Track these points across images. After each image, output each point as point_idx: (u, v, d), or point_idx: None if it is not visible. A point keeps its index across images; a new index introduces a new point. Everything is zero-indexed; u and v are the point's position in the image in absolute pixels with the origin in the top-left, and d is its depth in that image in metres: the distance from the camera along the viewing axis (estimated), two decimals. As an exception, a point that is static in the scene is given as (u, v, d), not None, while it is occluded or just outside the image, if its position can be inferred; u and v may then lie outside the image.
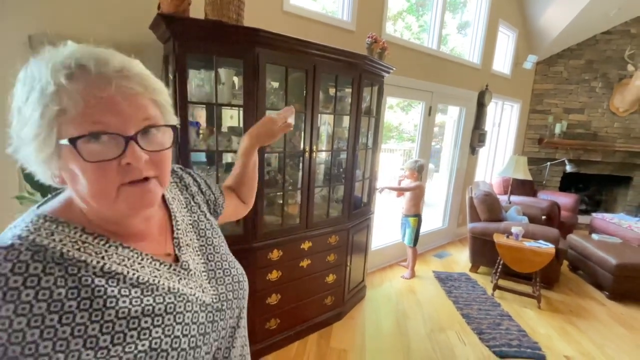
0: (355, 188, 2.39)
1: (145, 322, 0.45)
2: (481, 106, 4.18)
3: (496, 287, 3.00)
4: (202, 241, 0.63)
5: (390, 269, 3.44)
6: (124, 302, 0.45)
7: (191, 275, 0.57)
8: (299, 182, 2.07)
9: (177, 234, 0.59)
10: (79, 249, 0.44)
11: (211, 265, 0.61)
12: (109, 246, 0.48)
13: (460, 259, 3.82)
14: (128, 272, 0.48)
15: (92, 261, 0.45)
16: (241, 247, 1.83)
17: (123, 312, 0.44)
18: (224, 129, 2.03)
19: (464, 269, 3.52)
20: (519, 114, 5.03)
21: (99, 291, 0.43)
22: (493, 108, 4.73)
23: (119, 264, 0.47)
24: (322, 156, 2.41)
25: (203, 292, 0.56)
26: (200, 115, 2.03)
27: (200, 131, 1.85)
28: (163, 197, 0.61)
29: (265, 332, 2.04)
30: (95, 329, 0.41)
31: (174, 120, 0.52)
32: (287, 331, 2.15)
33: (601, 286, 3.15)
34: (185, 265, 0.57)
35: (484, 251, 3.33)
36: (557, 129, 5.00)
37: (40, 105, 0.40)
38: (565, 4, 4.05)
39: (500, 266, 2.99)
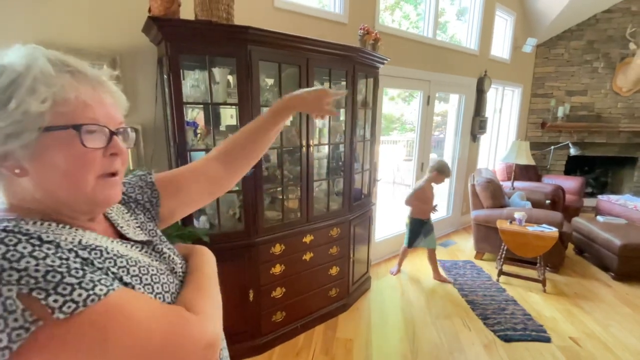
0: (354, 180, 2.41)
1: (139, 289, 0.48)
2: (481, 93, 4.15)
3: (501, 272, 3.01)
4: (158, 237, 0.65)
5: (396, 259, 3.46)
6: (113, 270, 0.46)
7: (164, 258, 0.60)
8: (298, 177, 2.09)
9: (124, 230, 0.59)
10: (46, 233, 0.44)
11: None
12: (76, 229, 0.49)
13: (465, 247, 3.83)
14: (107, 246, 0.49)
15: (66, 238, 0.45)
16: (243, 242, 1.87)
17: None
18: (223, 127, 2.06)
19: (469, 257, 3.53)
20: (521, 99, 4.98)
21: (90, 257, 0.45)
22: (493, 94, 4.69)
23: (94, 240, 0.48)
24: (321, 150, 2.42)
25: (173, 275, 0.58)
26: (198, 115, 2.06)
27: (198, 131, 1.89)
28: None
29: (271, 324, 2.08)
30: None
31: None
32: (293, 323, 2.20)
33: (606, 267, 3.14)
34: (157, 247, 0.60)
35: (488, 238, 3.34)
36: (560, 112, 4.94)
37: (35, 94, 0.43)
38: (562, -16, 3.98)
39: (504, 252, 3.00)
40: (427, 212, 2.96)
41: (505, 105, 4.97)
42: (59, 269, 0.39)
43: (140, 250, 0.57)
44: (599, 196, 4.43)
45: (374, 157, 2.71)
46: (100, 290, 0.40)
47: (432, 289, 2.88)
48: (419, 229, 2.99)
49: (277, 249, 2.01)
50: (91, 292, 0.40)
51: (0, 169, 0.45)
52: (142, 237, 0.60)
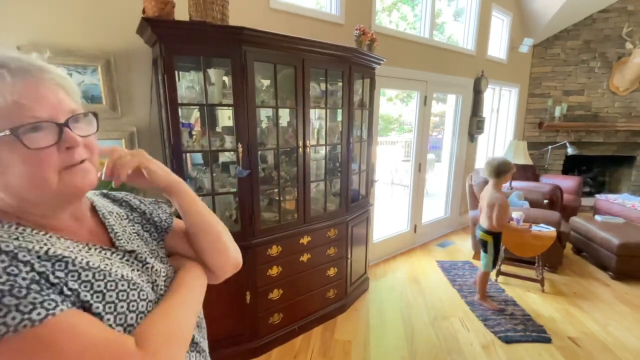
0: (352, 181, 2.40)
1: (97, 307, 0.46)
2: (478, 93, 4.15)
3: (499, 273, 3.00)
4: (152, 246, 0.63)
5: (394, 260, 3.45)
6: (72, 284, 0.44)
7: (146, 268, 0.57)
8: (295, 178, 2.08)
9: (117, 236, 0.58)
10: (16, 239, 0.43)
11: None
12: (49, 237, 0.48)
13: (463, 247, 3.82)
14: (76, 257, 0.47)
15: (33, 247, 0.44)
16: (240, 244, 1.82)
17: (73, 293, 0.44)
18: (219, 129, 2.05)
19: (467, 257, 3.52)
20: (518, 99, 4.99)
21: (48, 271, 0.43)
22: (490, 94, 4.69)
23: (64, 250, 0.47)
24: (318, 151, 2.42)
25: (152, 289, 0.56)
26: (195, 116, 2.05)
27: (194, 132, 1.88)
28: (94, 207, 0.61)
29: (268, 326, 2.07)
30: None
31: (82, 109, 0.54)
32: (290, 325, 2.18)
33: (605, 267, 3.14)
34: (140, 257, 0.57)
35: (486, 238, 3.33)
36: (557, 112, 4.94)
37: None
38: (558, -16, 4.00)
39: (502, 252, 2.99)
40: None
41: (503, 105, 4.98)
42: (1, 287, 0.37)
43: (121, 259, 0.55)
44: (597, 195, 4.43)
45: (372, 158, 2.70)
46: (38, 314, 0.38)
47: (431, 289, 2.87)
48: (500, 244, 2.58)
49: (274, 250, 2.00)
50: (26, 316, 0.38)
51: None
52: (131, 246, 0.59)
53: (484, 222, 2.53)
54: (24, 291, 0.39)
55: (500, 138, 5.08)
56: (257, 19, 2.13)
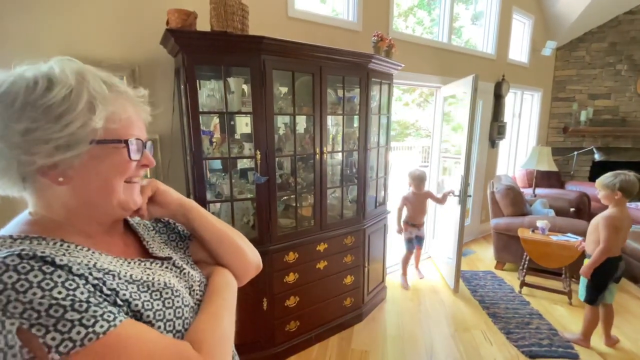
0: (369, 188, 2.38)
1: (147, 316, 0.47)
2: (498, 97, 4.05)
3: (523, 284, 2.89)
4: (180, 254, 0.66)
5: (411, 266, 3.38)
6: (124, 294, 0.46)
7: (184, 274, 0.59)
8: (312, 184, 2.08)
9: (149, 244, 0.61)
10: (63, 254, 0.44)
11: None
12: (92, 252, 0.49)
13: (484, 256, 3.70)
14: (120, 271, 0.49)
15: (82, 261, 0.45)
16: (257, 250, 1.85)
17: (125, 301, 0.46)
18: (237, 136, 2.08)
19: (489, 267, 3.41)
20: (540, 103, 4.84)
21: (100, 282, 0.44)
22: (512, 98, 4.57)
23: (108, 264, 0.49)
24: (334, 157, 2.41)
25: (190, 294, 0.58)
26: (215, 124, 2.09)
27: (214, 139, 1.91)
28: (126, 220, 0.64)
29: (285, 334, 2.05)
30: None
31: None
32: (307, 333, 2.16)
33: (635, 279, 2.96)
34: (177, 263, 0.60)
35: (509, 247, 3.22)
36: (583, 116, 4.76)
37: (94, 111, 0.46)
38: (583, -14, 3.88)
39: (526, 262, 2.88)
40: (621, 247, 2.09)
41: (525, 110, 4.84)
42: (63, 302, 0.39)
43: (160, 267, 0.57)
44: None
45: (388, 164, 2.67)
46: (101, 327, 0.40)
47: (452, 300, 2.79)
48: (612, 273, 2.08)
49: (291, 257, 2.00)
50: (90, 329, 0.39)
51: (42, 178, 0.47)
52: (165, 253, 0.61)
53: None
54: (84, 305, 0.40)
55: (522, 143, 4.93)
56: (276, 28, 2.16)
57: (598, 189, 2.17)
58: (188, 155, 1.79)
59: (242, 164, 2.09)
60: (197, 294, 0.59)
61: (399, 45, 2.61)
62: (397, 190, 3.99)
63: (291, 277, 2.02)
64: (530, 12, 4.27)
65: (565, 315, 2.53)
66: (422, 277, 3.21)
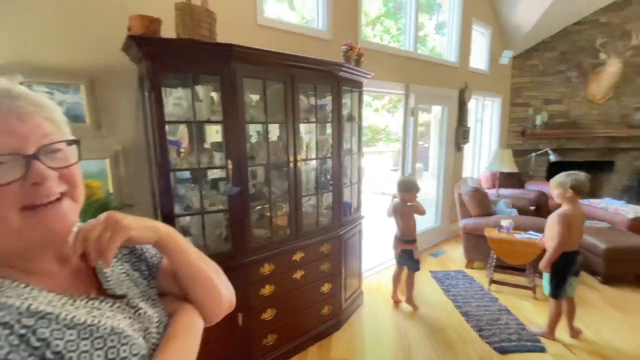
0: (343, 194, 2.39)
1: None
2: (462, 104, 4.25)
3: (492, 281, 3.02)
4: (143, 286, 0.59)
5: (386, 270, 3.43)
6: (56, 345, 0.40)
7: (138, 315, 0.52)
8: (286, 193, 2.05)
9: (106, 277, 0.54)
10: None
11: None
12: (31, 289, 0.43)
13: (455, 256, 3.83)
14: (60, 313, 0.42)
15: (13, 303, 0.39)
16: (230, 264, 1.79)
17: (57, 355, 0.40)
18: (207, 145, 2.01)
19: (459, 266, 3.53)
20: (501, 108, 5.13)
21: (30, 331, 0.39)
22: (474, 104, 4.81)
23: (47, 305, 0.43)
24: (309, 164, 2.40)
25: (144, 337, 0.51)
26: (182, 133, 2.00)
27: (181, 150, 1.83)
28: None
29: (262, 348, 1.99)
30: None
31: (70, 137, 0.49)
32: (285, 346, 2.11)
33: (593, 271, 3.19)
34: (132, 302, 0.53)
35: (478, 247, 3.35)
36: (539, 120, 5.10)
37: None
38: (534, -1, 4.17)
39: (494, 260, 3.01)
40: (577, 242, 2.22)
41: (486, 115, 5.11)
42: None
43: (111, 307, 0.50)
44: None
45: (361, 170, 2.70)
46: None
47: (426, 300, 2.85)
48: (570, 267, 2.20)
49: (267, 268, 1.95)
50: None
51: None
52: (121, 289, 0.54)
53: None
54: None
55: (485, 147, 5.19)
56: (245, 36, 2.12)
57: (552, 188, 2.32)
58: (154, 167, 1.70)
59: (213, 174, 2.02)
60: (153, 337, 0.52)
61: (368, 54, 2.66)
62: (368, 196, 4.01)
63: (267, 290, 1.97)
64: (488, 22, 4.53)
65: (530, 310, 2.67)
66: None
